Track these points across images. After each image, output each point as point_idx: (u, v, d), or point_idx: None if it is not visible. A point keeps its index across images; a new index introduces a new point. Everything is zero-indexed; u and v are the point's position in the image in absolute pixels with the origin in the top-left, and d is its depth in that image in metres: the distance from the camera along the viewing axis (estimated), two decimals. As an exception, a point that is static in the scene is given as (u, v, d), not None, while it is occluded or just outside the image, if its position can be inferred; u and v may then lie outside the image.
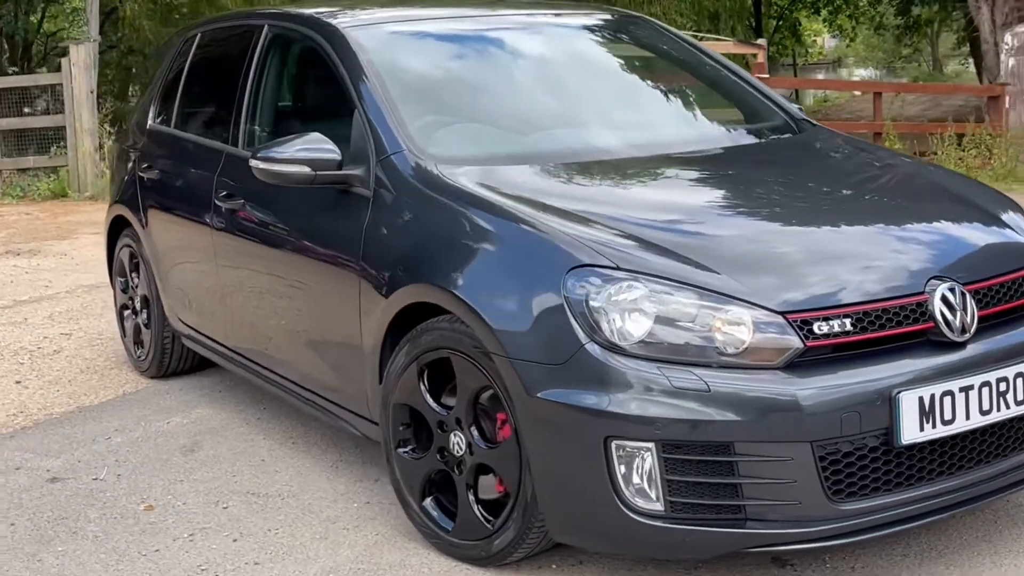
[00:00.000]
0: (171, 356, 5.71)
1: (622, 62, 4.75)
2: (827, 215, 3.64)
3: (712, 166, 4.08)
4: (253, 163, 4.00)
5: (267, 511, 4.04)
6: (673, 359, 3.05)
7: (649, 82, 4.65)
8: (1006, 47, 15.80)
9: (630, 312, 3.09)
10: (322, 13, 4.54)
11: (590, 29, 4.83)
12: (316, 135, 3.97)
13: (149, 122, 5.73)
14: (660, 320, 3.07)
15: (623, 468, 3.06)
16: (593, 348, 3.08)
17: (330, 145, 3.93)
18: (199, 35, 5.54)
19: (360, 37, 4.30)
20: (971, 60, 31.06)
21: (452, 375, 3.54)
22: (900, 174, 4.13)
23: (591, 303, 3.11)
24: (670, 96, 4.58)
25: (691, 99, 4.56)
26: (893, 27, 37.82)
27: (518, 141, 4.08)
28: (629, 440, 3.04)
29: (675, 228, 3.42)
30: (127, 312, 6.02)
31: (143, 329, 5.79)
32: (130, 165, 5.75)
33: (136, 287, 5.82)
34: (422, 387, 3.59)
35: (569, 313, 3.13)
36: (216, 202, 4.70)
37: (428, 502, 3.65)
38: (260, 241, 4.45)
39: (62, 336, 6.79)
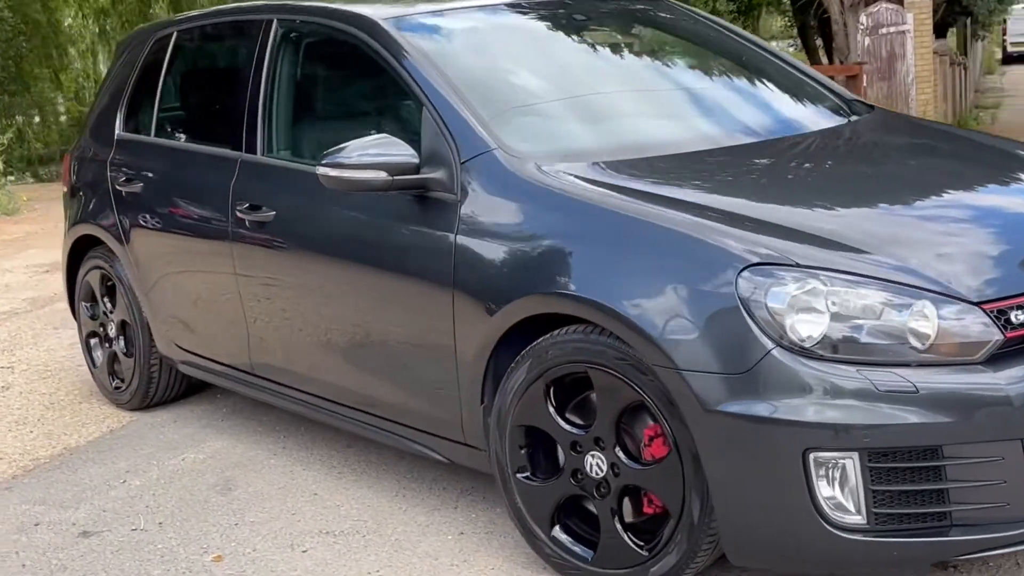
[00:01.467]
0: (158, 385, 5.23)
1: (679, 49, 4.50)
2: (974, 196, 3.47)
3: (822, 151, 3.89)
4: (322, 171, 3.61)
5: (353, 551, 3.67)
6: (867, 360, 2.83)
7: (713, 69, 4.41)
8: (861, 27, 16.18)
9: (814, 311, 2.85)
10: (352, 6, 4.15)
11: (630, 14, 4.57)
12: (386, 136, 3.63)
13: (117, 131, 5.22)
14: (845, 318, 2.85)
15: (822, 481, 2.83)
16: (781, 353, 2.84)
17: (406, 147, 3.58)
18: (175, 34, 5.06)
19: (409, 31, 3.95)
20: (798, 42, 31.81)
21: (575, 392, 3.26)
22: (997, 152, 3.99)
23: (772, 304, 2.86)
24: (738, 82, 4.35)
25: (761, 84, 4.34)
26: (726, 12, 38.52)
27: (607, 134, 3.79)
28: (831, 451, 2.81)
29: (832, 218, 3.19)
30: (95, 340, 5.50)
31: (121, 358, 5.28)
32: (97, 179, 5.23)
33: (110, 312, 5.31)
34: (549, 406, 3.29)
35: (748, 317, 2.87)
36: (237, 214, 4.28)
37: (558, 531, 3.35)
38: (303, 255, 4.06)
39: (4, 370, 6.19)
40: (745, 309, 2.88)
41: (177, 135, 5.01)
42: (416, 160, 3.57)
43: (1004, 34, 38.69)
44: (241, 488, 4.25)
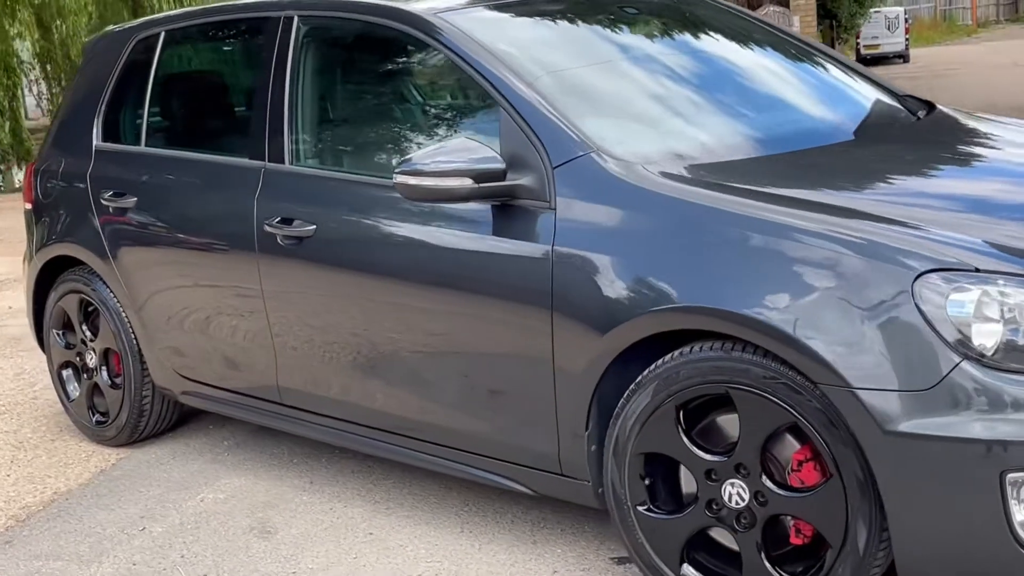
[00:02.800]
0: (149, 419, 4.78)
1: (738, 45, 4.24)
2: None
3: (925, 149, 3.69)
4: (400, 179, 3.27)
5: (442, 599, 3.33)
6: None
7: (776, 64, 4.18)
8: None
9: (990, 320, 2.63)
10: (402, 2, 3.80)
11: (677, 8, 4.32)
12: (465, 140, 3.31)
13: (96, 141, 4.75)
14: (1019, 324, 2.63)
15: (1020, 505, 2.61)
16: (970, 366, 2.61)
17: (489, 151, 3.27)
18: (162, 34, 4.62)
19: (473, 27, 3.62)
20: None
21: (701, 415, 3.00)
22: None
23: (953, 313, 2.63)
24: (809, 78, 4.13)
25: (831, 80, 4.12)
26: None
27: (700, 133, 3.52)
28: (1031, 471, 2.59)
29: (985, 223, 2.96)
30: (68, 372, 5.01)
31: (105, 390, 4.82)
32: (73, 194, 4.76)
33: (90, 340, 4.83)
34: (680, 431, 3.00)
35: (929, 327, 2.64)
36: (266, 229, 3.89)
37: (688, 568, 3.07)
38: (354, 272, 3.69)
39: (-50, 407, 5.64)
40: (925, 319, 2.64)
41: (173, 144, 4.58)
42: (503, 166, 3.26)
43: (858, 37, 39.78)
44: (282, 531, 3.86)
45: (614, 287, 3.07)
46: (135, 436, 4.82)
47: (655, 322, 2.99)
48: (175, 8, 14.96)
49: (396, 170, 3.28)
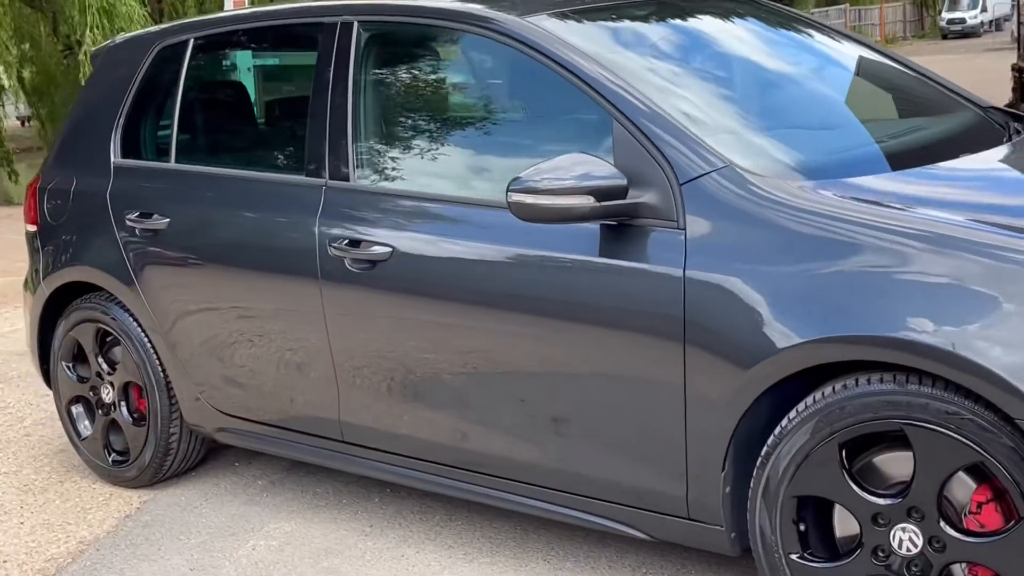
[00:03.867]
0: (175, 457, 4.41)
1: (837, 57, 4.00)
2: None
3: None
4: (515, 198, 2.98)
5: (562, 658, 3.03)
6: None
7: (867, 72, 3.96)
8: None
9: None
10: (487, 7, 3.50)
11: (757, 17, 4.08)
12: (578, 156, 3.03)
13: (113, 158, 4.38)
14: None
15: None
16: None
17: (609, 167, 3.00)
18: (191, 41, 4.26)
19: (569, 34, 3.35)
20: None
21: (857, 453, 2.76)
22: None
23: None
24: (908, 88, 3.92)
25: (929, 92, 3.91)
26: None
27: (829, 144, 3.29)
28: None
29: None
30: (77, 408, 4.62)
31: (125, 427, 4.44)
32: (91, 215, 4.38)
33: (108, 373, 4.44)
34: (844, 472, 2.75)
35: None
36: (332, 252, 3.57)
37: (847, 620, 2.82)
38: (441, 299, 3.39)
39: (-66, 446, 5.19)
40: None
41: (209, 161, 4.22)
42: (624, 182, 2.98)
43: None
44: (355, 582, 3.53)
45: (760, 315, 2.81)
46: (158, 476, 4.44)
47: (814, 354, 2.74)
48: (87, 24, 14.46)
49: (510, 188, 2.99)
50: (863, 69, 3.93)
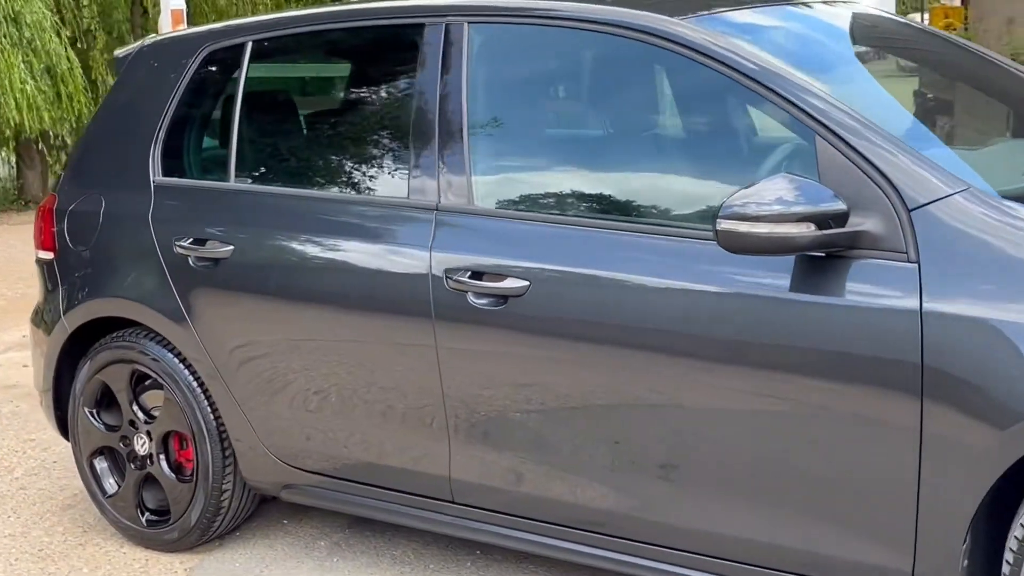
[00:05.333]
0: (224, 517, 3.88)
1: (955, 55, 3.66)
2: None
3: None
4: (726, 226, 2.57)
5: None
6: None
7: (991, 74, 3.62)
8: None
9: None
10: (642, 12, 3.07)
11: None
12: (788, 178, 2.62)
13: (154, 176, 3.84)
14: None
15: None
16: None
17: (825, 190, 2.60)
18: (250, 44, 3.75)
19: (753, 42, 2.95)
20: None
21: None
22: None
23: None
24: None
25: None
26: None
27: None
28: None
29: None
30: (101, 460, 4.05)
31: (167, 484, 3.89)
32: (127, 240, 3.85)
33: (145, 421, 3.89)
34: None
35: None
36: (450, 286, 3.10)
37: None
38: (594, 343, 2.95)
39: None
40: None
41: (280, 181, 3.71)
42: (846, 207, 2.59)
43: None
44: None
45: (1011, 376, 2.43)
46: (203, 539, 3.90)
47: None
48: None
49: (720, 215, 2.58)
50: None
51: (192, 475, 3.82)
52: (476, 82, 3.23)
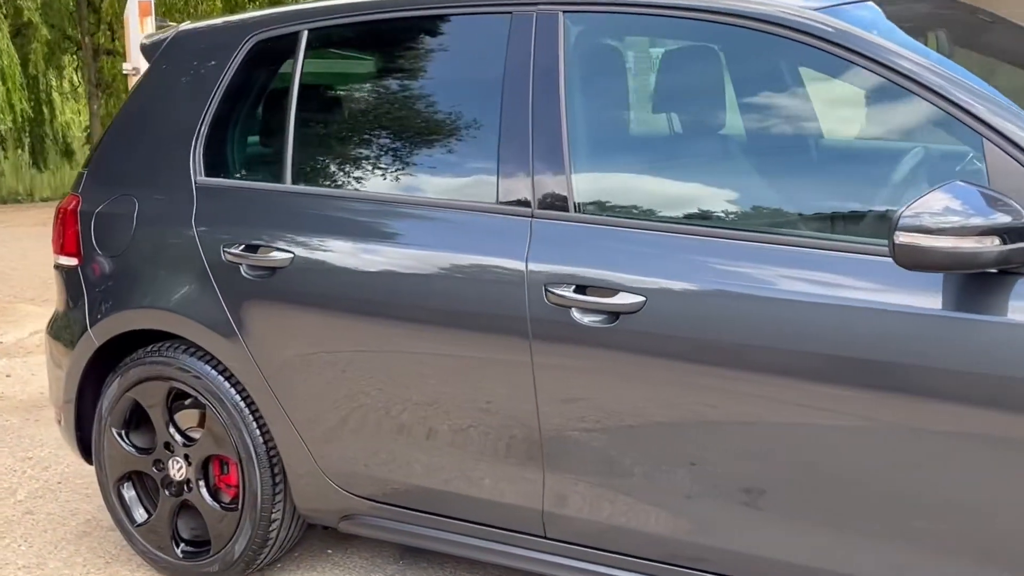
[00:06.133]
0: (271, 549, 3.56)
1: None
2: None
3: None
4: (905, 239, 2.31)
5: None
6: None
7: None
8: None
9: None
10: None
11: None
12: (961, 186, 2.37)
13: (195, 175, 3.52)
14: None
15: None
16: None
17: (1012, 201, 2.36)
18: (305, 33, 3.44)
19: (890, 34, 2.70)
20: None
21: None
22: None
23: None
24: None
25: None
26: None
27: None
28: None
29: None
30: (129, 487, 3.72)
31: (208, 512, 3.57)
32: (166, 247, 3.52)
33: (183, 444, 3.57)
34: None
35: None
36: (550, 302, 2.82)
37: None
38: (728, 365, 2.67)
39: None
40: None
41: (345, 183, 3.39)
42: (1032, 220, 2.34)
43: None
44: None
45: None
46: (246, 572, 3.58)
47: None
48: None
49: (898, 228, 2.32)
50: None
51: (235, 502, 3.49)
52: (573, 76, 2.95)
